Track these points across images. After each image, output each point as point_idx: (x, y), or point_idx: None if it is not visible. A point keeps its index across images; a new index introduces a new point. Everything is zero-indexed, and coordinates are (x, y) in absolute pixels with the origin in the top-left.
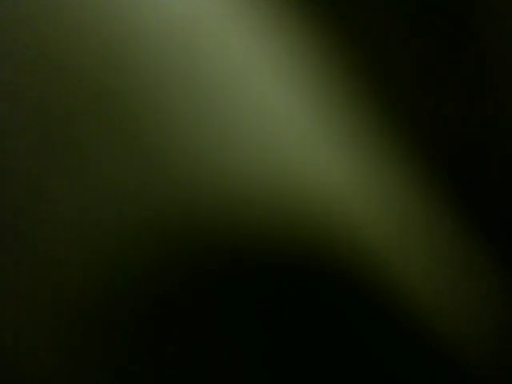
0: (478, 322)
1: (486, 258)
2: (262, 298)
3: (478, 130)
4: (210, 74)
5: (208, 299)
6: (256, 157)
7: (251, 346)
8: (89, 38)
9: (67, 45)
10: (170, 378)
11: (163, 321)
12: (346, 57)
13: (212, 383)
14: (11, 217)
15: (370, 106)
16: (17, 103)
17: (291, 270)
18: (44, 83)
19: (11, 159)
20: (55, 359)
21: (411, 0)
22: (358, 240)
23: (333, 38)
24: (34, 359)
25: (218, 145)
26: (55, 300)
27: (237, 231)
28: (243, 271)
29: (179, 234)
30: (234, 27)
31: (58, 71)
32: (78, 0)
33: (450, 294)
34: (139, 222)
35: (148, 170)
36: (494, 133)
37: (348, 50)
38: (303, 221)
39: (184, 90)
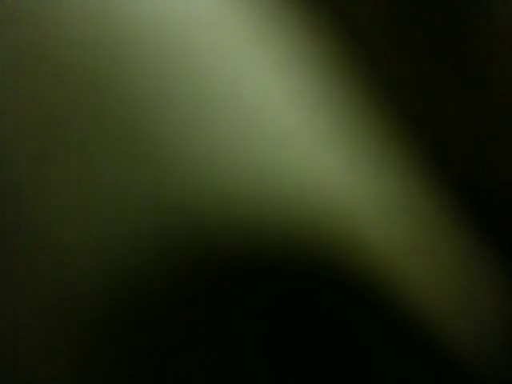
0: (480, 322)
1: (488, 257)
2: (262, 298)
3: (478, 130)
4: (208, 75)
5: (208, 299)
6: (255, 157)
7: (251, 346)
8: (89, 40)
9: (68, 46)
10: (170, 378)
11: (164, 321)
12: (345, 57)
13: (212, 383)
14: (12, 217)
15: (370, 106)
16: (19, 104)
17: (291, 270)
18: (46, 85)
19: (14, 161)
20: (55, 360)
21: (411, 0)
22: (358, 240)
23: (332, 38)
24: (33, 360)
25: (218, 145)
26: (56, 300)
27: (236, 233)
28: (242, 272)
29: (181, 235)
30: (234, 29)
31: (60, 73)
32: (78, 1)
33: (451, 294)
34: (141, 223)
35: (148, 171)
36: (494, 133)
37: (347, 50)
38: (303, 221)
39: (183, 93)
